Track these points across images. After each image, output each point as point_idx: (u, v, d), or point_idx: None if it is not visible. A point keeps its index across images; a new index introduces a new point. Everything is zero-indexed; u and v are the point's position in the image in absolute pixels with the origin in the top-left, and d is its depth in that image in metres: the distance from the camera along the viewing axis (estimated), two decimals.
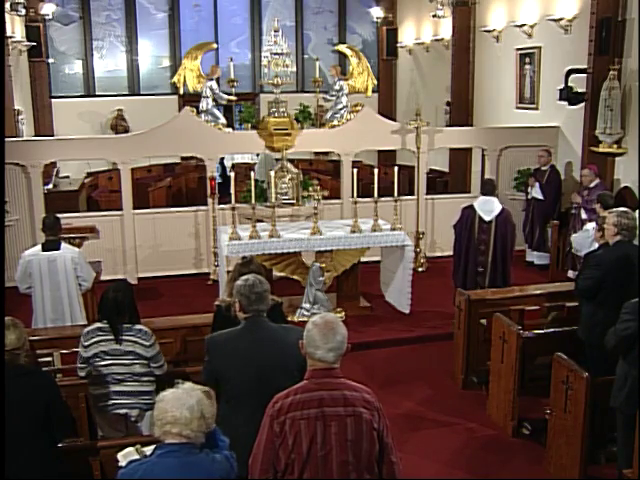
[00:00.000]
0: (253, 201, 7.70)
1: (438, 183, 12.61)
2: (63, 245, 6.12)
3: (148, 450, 3.61)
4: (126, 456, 3.62)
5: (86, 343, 4.53)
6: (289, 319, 7.01)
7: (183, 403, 2.73)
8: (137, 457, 3.44)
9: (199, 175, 12.38)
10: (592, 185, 8.62)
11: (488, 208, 7.29)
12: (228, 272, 5.32)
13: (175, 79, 9.85)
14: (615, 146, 8.77)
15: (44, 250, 6.02)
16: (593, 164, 8.87)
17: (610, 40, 8.66)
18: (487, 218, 7.27)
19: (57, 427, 3.69)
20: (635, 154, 8.43)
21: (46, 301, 6.04)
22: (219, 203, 9.24)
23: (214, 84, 9.78)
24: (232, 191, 7.65)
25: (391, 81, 16.33)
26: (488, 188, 7.45)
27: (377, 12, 16.15)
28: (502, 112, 11.56)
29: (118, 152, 9.24)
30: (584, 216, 8.54)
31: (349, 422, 2.93)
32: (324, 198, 8.00)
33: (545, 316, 6.50)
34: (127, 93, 15.89)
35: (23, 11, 11.86)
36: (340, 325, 3.02)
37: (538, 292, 6.72)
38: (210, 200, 9.23)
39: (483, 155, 10.57)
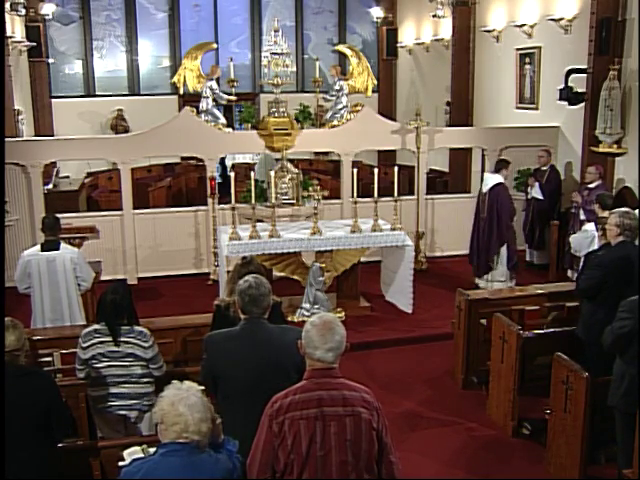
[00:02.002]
0: (253, 201, 7.70)
1: (438, 183, 12.61)
2: (62, 245, 6.11)
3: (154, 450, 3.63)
4: (131, 454, 3.64)
5: (84, 345, 4.53)
6: (289, 319, 7.02)
7: (191, 405, 2.71)
8: (141, 455, 3.46)
9: (199, 175, 12.38)
10: (593, 185, 8.60)
11: (487, 182, 8.55)
12: (228, 272, 5.32)
13: (175, 79, 9.85)
14: (615, 146, 8.77)
15: (43, 250, 6.02)
16: (600, 165, 8.85)
17: (610, 40, 8.65)
18: (483, 190, 8.62)
19: (57, 427, 3.69)
20: (635, 154, 8.42)
21: (45, 301, 6.04)
22: (219, 203, 9.24)
23: (214, 84, 9.78)
24: (232, 191, 7.65)
25: (391, 81, 16.33)
26: (496, 166, 8.73)
27: (377, 12, 16.14)
28: (502, 112, 11.56)
29: (118, 152, 9.24)
30: (582, 216, 8.54)
31: (348, 422, 2.93)
32: (324, 198, 8.00)
33: (545, 316, 6.49)
34: (127, 93, 15.89)
35: (23, 11, 11.85)
36: (338, 325, 3.02)
37: (538, 292, 6.71)
38: (210, 200, 9.24)
39: (483, 155, 10.57)
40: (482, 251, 8.63)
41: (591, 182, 8.64)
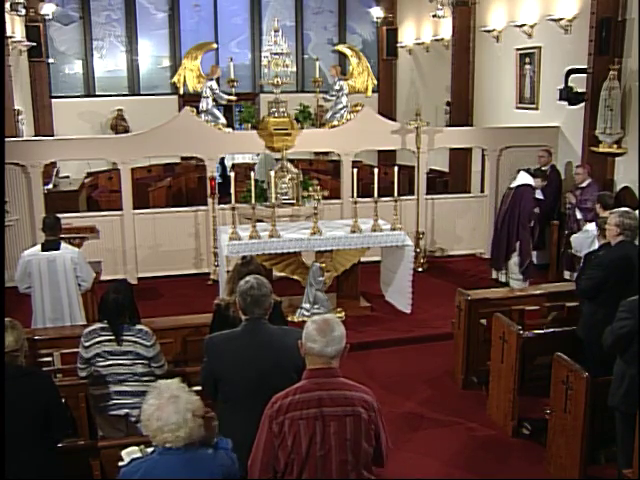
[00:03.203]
0: (253, 201, 7.70)
1: (438, 183, 12.61)
2: (63, 245, 6.12)
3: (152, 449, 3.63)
4: (129, 454, 3.64)
5: (87, 344, 4.54)
6: (289, 319, 7.01)
7: (166, 415, 2.69)
8: (140, 455, 3.46)
9: (199, 175, 12.38)
10: (584, 184, 8.73)
11: (518, 179, 8.66)
12: (228, 272, 5.32)
13: (175, 79, 9.84)
14: (615, 146, 8.77)
15: (44, 250, 6.02)
16: (587, 163, 8.93)
17: (610, 40, 8.65)
18: (512, 185, 8.75)
19: (56, 427, 3.68)
20: (635, 154, 8.43)
21: (45, 301, 6.04)
22: (219, 203, 9.24)
23: (214, 84, 9.77)
24: (232, 191, 7.65)
25: (391, 81, 16.33)
26: (536, 172, 8.83)
27: (377, 12, 16.15)
28: (502, 112, 11.56)
29: (118, 152, 9.23)
30: (579, 216, 8.60)
31: (348, 422, 2.94)
32: (324, 198, 7.99)
33: (545, 316, 6.50)
34: (127, 93, 15.89)
35: (23, 11, 11.86)
36: (338, 324, 3.03)
37: (538, 292, 6.72)
38: (210, 200, 9.23)
39: (483, 155, 10.57)
40: (498, 244, 8.77)
41: (582, 182, 8.72)
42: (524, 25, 10.61)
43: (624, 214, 5.24)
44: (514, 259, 8.61)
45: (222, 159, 14.05)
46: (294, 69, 9.23)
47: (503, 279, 8.80)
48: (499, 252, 8.76)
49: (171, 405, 2.71)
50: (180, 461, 2.72)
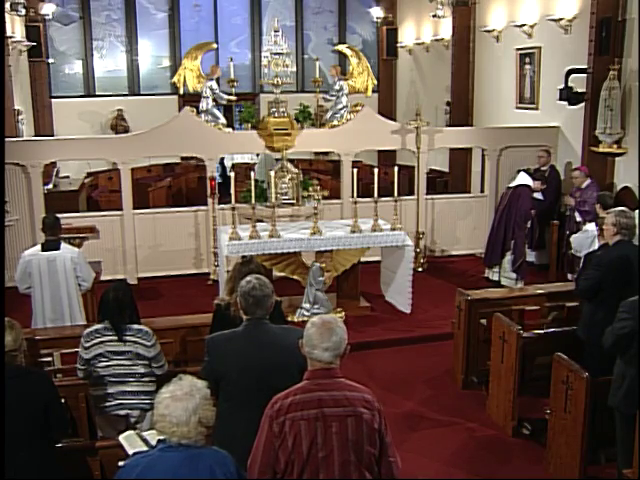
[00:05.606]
0: (253, 201, 7.70)
1: (438, 183, 12.62)
2: (63, 245, 6.11)
3: (147, 434, 3.64)
4: (127, 438, 3.71)
5: (87, 344, 4.53)
6: (289, 319, 7.02)
7: (182, 410, 2.69)
8: (139, 442, 3.55)
9: (199, 175, 12.39)
10: (584, 186, 8.70)
11: (518, 179, 8.78)
12: (228, 272, 5.32)
13: (175, 79, 9.84)
14: (615, 146, 8.77)
15: (44, 250, 6.02)
16: (583, 165, 8.96)
17: (610, 40, 8.65)
18: (511, 184, 8.84)
19: (55, 427, 3.68)
20: (635, 154, 8.42)
21: (46, 301, 6.04)
22: (219, 203, 9.24)
23: (214, 84, 9.77)
24: (232, 191, 7.65)
25: (391, 81, 16.33)
26: (535, 175, 9.10)
27: (377, 12, 16.14)
28: (502, 112, 11.56)
29: (118, 152, 9.23)
30: (578, 218, 8.59)
31: (349, 422, 2.93)
32: (324, 198, 8.00)
33: (545, 316, 6.50)
34: (127, 93, 15.89)
35: (23, 11, 11.84)
36: (339, 326, 3.01)
37: (538, 292, 6.71)
38: (210, 200, 9.24)
39: (483, 155, 10.57)
40: (494, 242, 8.81)
41: (581, 184, 8.73)
42: (524, 25, 10.61)
43: (620, 213, 5.22)
44: (508, 257, 8.64)
45: (222, 159, 14.05)
46: (294, 69, 9.22)
47: (496, 277, 8.83)
48: (494, 250, 8.80)
49: (183, 401, 2.72)
50: (180, 459, 2.71)
